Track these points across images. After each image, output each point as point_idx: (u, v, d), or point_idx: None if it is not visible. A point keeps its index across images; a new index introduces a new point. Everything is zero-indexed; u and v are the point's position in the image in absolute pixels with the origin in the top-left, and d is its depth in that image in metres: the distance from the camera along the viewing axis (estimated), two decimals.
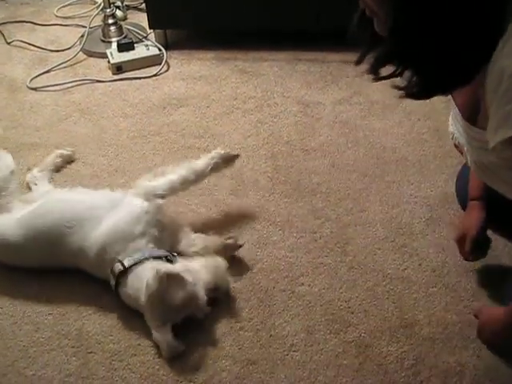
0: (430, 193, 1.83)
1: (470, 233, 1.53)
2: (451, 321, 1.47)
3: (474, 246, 1.54)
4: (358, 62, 1.16)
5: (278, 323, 1.48)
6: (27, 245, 1.58)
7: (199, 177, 1.66)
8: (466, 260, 1.59)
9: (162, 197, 1.60)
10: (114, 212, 1.57)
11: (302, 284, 1.58)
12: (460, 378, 1.36)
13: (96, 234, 1.53)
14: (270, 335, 1.46)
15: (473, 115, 1.17)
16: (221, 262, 1.50)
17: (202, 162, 1.67)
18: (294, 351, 1.42)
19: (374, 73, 1.09)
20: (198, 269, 1.47)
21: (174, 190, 1.62)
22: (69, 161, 2.01)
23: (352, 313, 1.50)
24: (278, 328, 1.47)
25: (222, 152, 1.70)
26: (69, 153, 2.01)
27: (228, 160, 1.71)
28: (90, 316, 1.52)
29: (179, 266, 1.47)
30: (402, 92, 1.08)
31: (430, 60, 1.01)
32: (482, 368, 1.37)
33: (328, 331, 1.46)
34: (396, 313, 1.50)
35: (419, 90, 1.06)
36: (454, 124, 1.33)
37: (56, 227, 1.56)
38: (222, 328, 1.48)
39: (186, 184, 1.64)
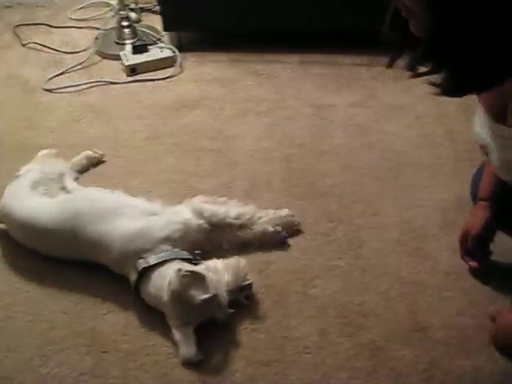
0: (443, 196, 1.83)
1: (473, 231, 1.53)
2: (466, 325, 1.46)
3: (476, 245, 1.54)
4: (390, 64, 1.16)
5: (291, 325, 1.48)
6: (57, 226, 1.60)
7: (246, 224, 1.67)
8: (464, 261, 1.59)
9: (207, 221, 1.62)
10: (148, 216, 1.61)
11: (316, 286, 1.57)
12: (475, 382, 1.35)
13: (124, 229, 1.55)
14: (284, 337, 1.46)
15: (499, 113, 1.17)
16: (243, 263, 1.51)
17: (262, 223, 1.68)
18: (307, 353, 1.42)
19: (411, 70, 1.10)
20: (220, 270, 1.48)
21: (223, 222, 1.64)
22: (95, 163, 2.02)
23: (365, 316, 1.50)
24: (291, 330, 1.47)
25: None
26: (96, 155, 2.01)
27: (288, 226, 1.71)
28: (105, 315, 1.53)
29: (202, 267, 1.48)
30: (437, 89, 1.08)
31: (466, 60, 1.01)
32: (498, 372, 1.36)
33: (341, 334, 1.46)
34: (409, 316, 1.49)
35: (454, 89, 1.06)
36: (479, 124, 1.33)
37: (89, 215, 1.59)
38: (236, 329, 1.48)
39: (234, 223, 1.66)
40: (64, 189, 1.75)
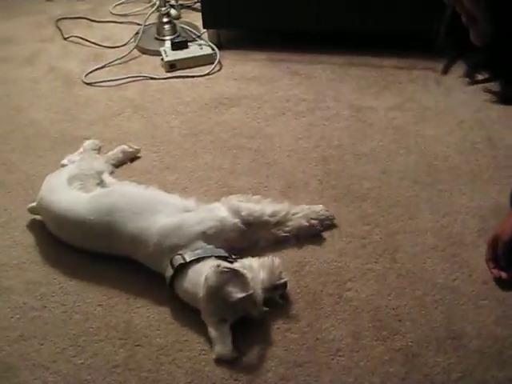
0: (482, 203, 1.80)
1: (504, 236, 1.51)
2: (501, 335, 1.44)
3: (505, 251, 1.51)
4: (445, 71, 1.14)
5: (324, 327, 1.48)
6: (92, 221, 1.62)
7: (282, 220, 1.69)
8: (487, 265, 1.57)
9: (243, 219, 1.62)
10: (185, 212, 1.62)
11: (350, 289, 1.57)
12: None
13: (160, 225, 1.56)
14: (317, 338, 1.45)
15: None
16: (277, 262, 1.52)
17: (297, 218, 1.70)
18: (340, 356, 1.42)
19: (469, 78, 1.08)
20: (256, 268, 1.48)
21: (259, 220, 1.65)
22: (131, 158, 2.04)
23: (399, 321, 1.49)
24: (324, 332, 1.47)
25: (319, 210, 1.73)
26: (132, 150, 2.03)
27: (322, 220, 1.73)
28: (139, 309, 1.54)
29: (238, 265, 1.48)
30: (494, 97, 1.06)
31: None
32: None
33: (375, 338, 1.45)
34: (444, 323, 1.48)
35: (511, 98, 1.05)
36: None
37: (125, 211, 1.60)
38: (269, 328, 1.48)
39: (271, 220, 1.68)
40: (100, 184, 1.76)
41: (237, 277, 1.41)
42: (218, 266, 1.41)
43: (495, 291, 1.54)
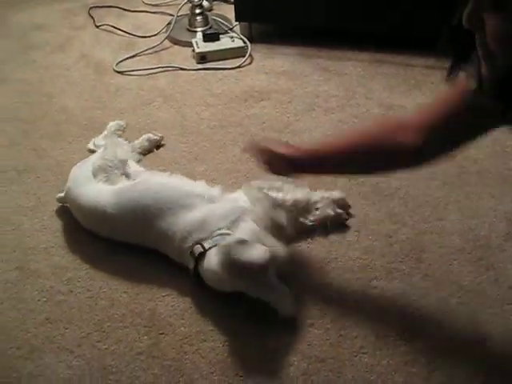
0: (510, 207, 1.78)
1: (289, 151, 1.46)
2: None
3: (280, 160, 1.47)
4: (448, 78, 1.11)
5: (348, 324, 1.48)
6: (117, 215, 1.62)
7: (304, 209, 1.69)
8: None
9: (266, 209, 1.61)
10: (209, 204, 1.60)
11: (375, 287, 1.56)
12: None
13: (186, 221, 1.56)
14: (340, 335, 1.46)
15: None
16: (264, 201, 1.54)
17: (317, 197, 1.72)
18: (363, 353, 1.42)
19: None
20: (253, 224, 1.50)
21: (280, 208, 1.63)
22: (156, 146, 2.05)
23: (423, 321, 1.48)
24: (347, 329, 1.47)
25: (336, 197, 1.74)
26: (156, 137, 2.05)
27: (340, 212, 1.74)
28: (164, 298, 1.56)
29: (233, 238, 1.46)
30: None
31: None
32: None
33: (398, 337, 1.45)
34: (469, 326, 1.47)
35: None
36: None
37: (150, 206, 1.59)
38: (293, 323, 1.48)
39: (293, 209, 1.66)
40: (125, 174, 1.76)
41: (243, 244, 1.39)
42: (223, 245, 1.40)
43: None
